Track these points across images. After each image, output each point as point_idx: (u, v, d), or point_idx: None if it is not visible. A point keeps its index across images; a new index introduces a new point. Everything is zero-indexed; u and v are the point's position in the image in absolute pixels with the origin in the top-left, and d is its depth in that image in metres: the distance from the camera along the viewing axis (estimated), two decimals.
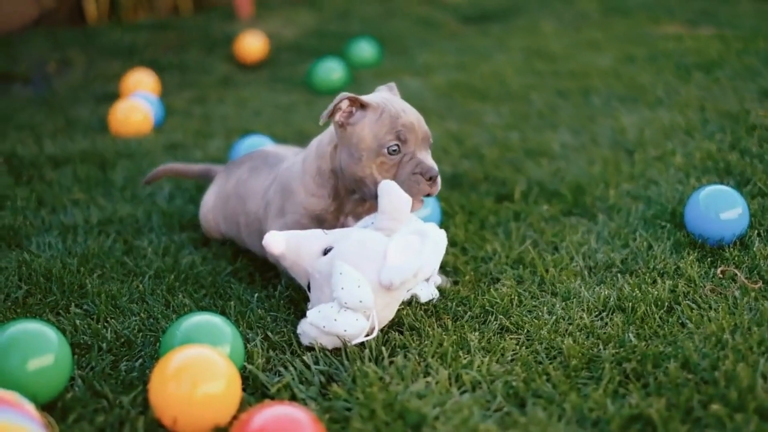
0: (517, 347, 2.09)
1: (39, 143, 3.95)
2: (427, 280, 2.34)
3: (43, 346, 1.86)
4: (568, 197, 3.04)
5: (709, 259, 2.47)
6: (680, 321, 2.16)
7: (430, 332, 2.16)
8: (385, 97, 2.34)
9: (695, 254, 2.49)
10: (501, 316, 2.24)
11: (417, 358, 2.04)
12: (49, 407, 1.87)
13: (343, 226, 2.40)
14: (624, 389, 1.89)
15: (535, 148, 3.63)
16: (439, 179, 2.27)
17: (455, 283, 2.48)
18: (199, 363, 1.78)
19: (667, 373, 1.90)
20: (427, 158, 2.28)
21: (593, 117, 4.04)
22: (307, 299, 2.30)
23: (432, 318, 2.26)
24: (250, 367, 2.00)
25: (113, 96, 4.81)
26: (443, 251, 2.20)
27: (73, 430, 1.81)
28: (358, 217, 2.40)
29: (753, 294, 2.25)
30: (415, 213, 2.29)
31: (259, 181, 2.60)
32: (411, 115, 2.29)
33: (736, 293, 2.26)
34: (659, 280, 2.37)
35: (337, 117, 2.28)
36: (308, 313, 2.10)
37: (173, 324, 2.01)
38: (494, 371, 1.97)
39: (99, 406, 1.89)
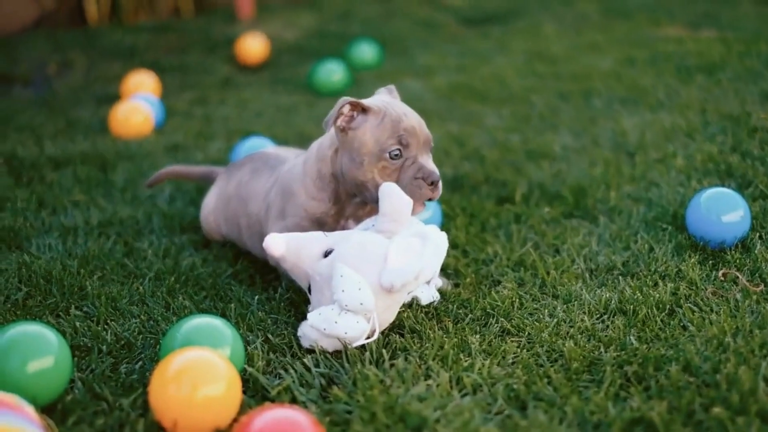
0: (518, 350, 2.09)
1: (39, 144, 3.95)
2: (428, 282, 2.33)
3: (42, 349, 1.86)
4: (569, 199, 3.03)
5: (710, 262, 2.47)
6: (682, 324, 2.16)
7: (431, 335, 2.16)
8: (386, 100, 2.33)
9: (696, 257, 2.48)
10: (502, 319, 2.23)
11: (418, 360, 2.04)
12: (48, 410, 1.87)
13: (343, 229, 2.40)
14: (625, 392, 1.88)
15: (536, 150, 3.63)
16: (440, 183, 2.26)
17: (456, 285, 2.47)
18: (200, 365, 1.78)
19: (668, 376, 1.90)
20: (429, 162, 2.27)
21: (594, 119, 4.04)
22: (307, 302, 2.30)
23: (433, 320, 2.25)
24: (250, 369, 2.00)
25: (114, 97, 4.81)
26: (444, 254, 2.20)
27: None
28: (358, 220, 2.40)
29: (755, 297, 2.24)
30: (416, 215, 2.29)
31: (260, 182, 2.60)
32: (412, 118, 2.29)
33: (738, 296, 2.26)
34: (660, 283, 2.36)
35: (339, 121, 2.27)
36: (309, 315, 2.10)
37: (173, 326, 2.00)
38: (495, 374, 1.97)
39: (99, 409, 1.88)
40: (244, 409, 1.87)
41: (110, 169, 3.60)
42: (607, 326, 2.18)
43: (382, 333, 2.16)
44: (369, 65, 5.60)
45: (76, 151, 3.81)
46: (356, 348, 2.08)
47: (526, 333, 2.16)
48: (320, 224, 2.38)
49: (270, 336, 2.18)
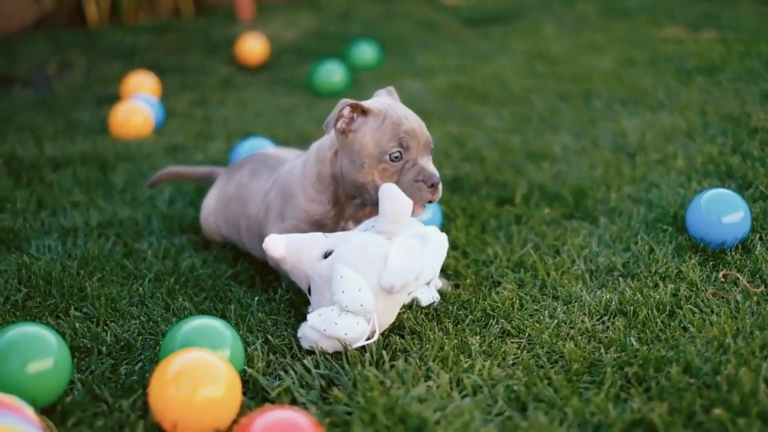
0: (519, 351, 2.08)
1: (39, 145, 3.95)
2: (428, 283, 2.33)
3: (42, 350, 1.85)
4: (570, 200, 3.03)
5: (710, 263, 2.46)
6: (682, 325, 2.15)
7: (431, 336, 2.15)
8: (386, 102, 2.33)
9: (697, 258, 2.48)
10: (502, 320, 2.23)
11: (418, 362, 2.03)
12: (48, 411, 1.87)
13: (343, 230, 2.39)
14: (626, 394, 1.88)
15: (536, 151, 3.62)
16: (440, 186, 2.26)
17: (456, 286, 2.47)
18: (199, 367, 1.78)
19: (669, 377, 1.90)
20: (429, 165, 2.27)
21: (594, 120, 4.04)
22: (307, 303, 2.30)
23: (433, 322, 2.25)
24: (250, 370, 1.99)
25: (114, 98, 4.81)
26: (444, 254, 2.20)
27: None
28: (358, 222, 2.40)
29: (755, 298, 2.24)
30: (416, 217, 2.29)
31: (260, 183, 2.59)
32: (413, 121, 2.29)
33: (738, 297, 2.26)
34: (661, 284, 2.36)
35: (339, 124, 2.27)
36: (309, 316, 2.09)
37: (173, 327, 2.00)
38: (495, 375, 1.97)
39: (98, 410, 1.88)
40: (244, 410, 1.86)
41: (110, 170, 3.60)
42: (608, 327, 2.17)
43: (382, 334, 2.16)
44: (369, 66, 5.60)
45: (76, 152, 3.81)
46: (356, 349, 2.07)
47: (527, 334, 2.16)
48: (319, 226, 2.38)
49: (270, 337, 2.18)
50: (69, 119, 4.48)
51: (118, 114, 4.15)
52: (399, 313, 2.23)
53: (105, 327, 2.26)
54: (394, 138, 2.24)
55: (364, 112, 2.27)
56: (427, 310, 2.30)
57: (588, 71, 4.98)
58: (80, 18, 6.90)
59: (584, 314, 2.24)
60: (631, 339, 2.08)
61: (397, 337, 2.15)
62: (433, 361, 2.03)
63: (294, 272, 2.20)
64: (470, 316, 2.27)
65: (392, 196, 2.16)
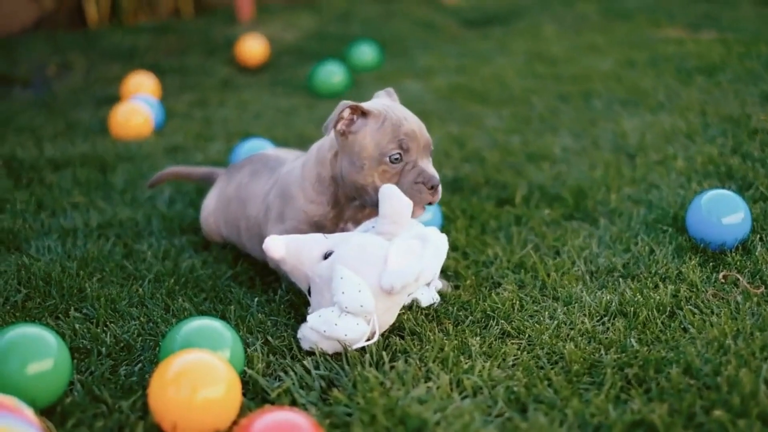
0: (519, 352, 2.08)
1: (39, 146, 3.95)
2: (428, 284, 2.33)
3: (42, 351, 1.85)
4: (570, 201, 3.03)
5: (711, 264, 2.46)
6: (682, 326, 2.15)
7: (431, 337, 2.15)
8: (386, 104, 2.33)
9: (697, 259, 2.48)
10: (502, 321, 2.23)
11: (418, 363, 2.03)
12: (48, 412, 1.87)
13: (342, 231, 2.39)
14: (626, 395, 1.88)
15: (536, 151, 3.62)
16: (440, 187, 2.26)
17: (456, 287, 2.47)
18: (199, 368, 1.77)
19: (669, 378, 1.90)
20: (429, 167, 2.27)
21: (594, 121, 4.04)
22: (307, 304, 2.30)
23: (433, 323, 2.25)
24: (250, 371, 1.99)
25: (113, 99, 4.81)
26: (444, 255, 2.20)
27: None
28: (357, 223, 2.39)
29: (755, 299, 2.24)
30: (416, 218, 2.28)
31: (260, 184, 2.59)
32: (413, 122, 2.28)
33: (738, 298, 2.26)
34: (661, 285, 2.36)
35: (339, 125, 2.27)
36: (309, 317, 2.09)
37: (173, 328, 2.00)
38: (495, 376, 1.97)
39: (98, 411, 1.88)
40: (243, 411, 1.86)
41: (110, 170, 3.60)
42: (608, 328, 2.17)
43: (382, 335, 2.16)
44: (369, 66, 5.60)
45: (76, 153, 3.81)
46: (356, 350, 2.07)
47: (527, 335, 2.16)
48: (319, 227, 2.38)
49: (270, 338, 2.18)
50: (69, 120, 4.48)
51: (118, 115, 4.15)
52: (399, 314, 2.23)
53: (105, 328, 2.26)
54: (394, 140, 2.24)
55: (364, 113, 2.27)
56: (427, 311, 2.30)
57: (588, 72, 4.98)
58: (80, 19, 6.90)
59: (584, 315, 2.24)
60: (632, 340, 2.08)
61: (397, 338, 2.15)
62: (433, 362, 2.03)
63: (294, 273, 2.19)
64: (470, 317, 2.27)
65: (392, 198, 2.16)
